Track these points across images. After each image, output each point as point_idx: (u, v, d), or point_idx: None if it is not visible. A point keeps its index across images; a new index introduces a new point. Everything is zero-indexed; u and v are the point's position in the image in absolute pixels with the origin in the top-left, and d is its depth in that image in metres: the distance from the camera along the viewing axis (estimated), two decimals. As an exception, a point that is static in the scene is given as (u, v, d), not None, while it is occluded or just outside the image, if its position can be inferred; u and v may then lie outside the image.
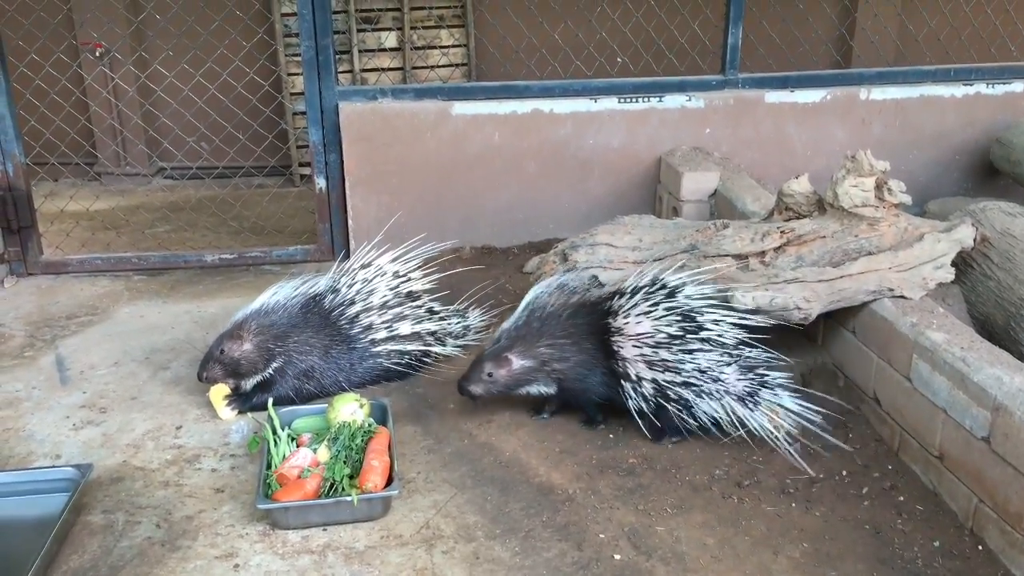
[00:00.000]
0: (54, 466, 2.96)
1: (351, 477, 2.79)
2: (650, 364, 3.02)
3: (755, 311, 3.12)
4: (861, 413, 3.25)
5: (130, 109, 6.65)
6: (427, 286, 3.63)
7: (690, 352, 2.99)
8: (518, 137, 4.79)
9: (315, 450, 2.89)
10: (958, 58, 6.11)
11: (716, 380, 3.00)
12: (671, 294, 3.07)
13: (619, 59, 5.62)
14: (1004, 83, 5.14)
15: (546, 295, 3.21)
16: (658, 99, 4.84)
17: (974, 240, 3.42)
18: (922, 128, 5.12)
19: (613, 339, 3.07)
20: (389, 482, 2.76)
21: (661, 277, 3.12)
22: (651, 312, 3.03)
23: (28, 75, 5.17)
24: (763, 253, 3.32)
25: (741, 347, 3.05)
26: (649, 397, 3.04)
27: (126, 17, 6.43)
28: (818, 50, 6.86)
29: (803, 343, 3.60)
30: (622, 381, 3.08)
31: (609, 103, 4.81)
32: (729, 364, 3.02)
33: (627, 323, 3.05)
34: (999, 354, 2.72)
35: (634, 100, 4.83)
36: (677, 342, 3.00)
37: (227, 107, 5.49)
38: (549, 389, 3.16)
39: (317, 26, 4.47)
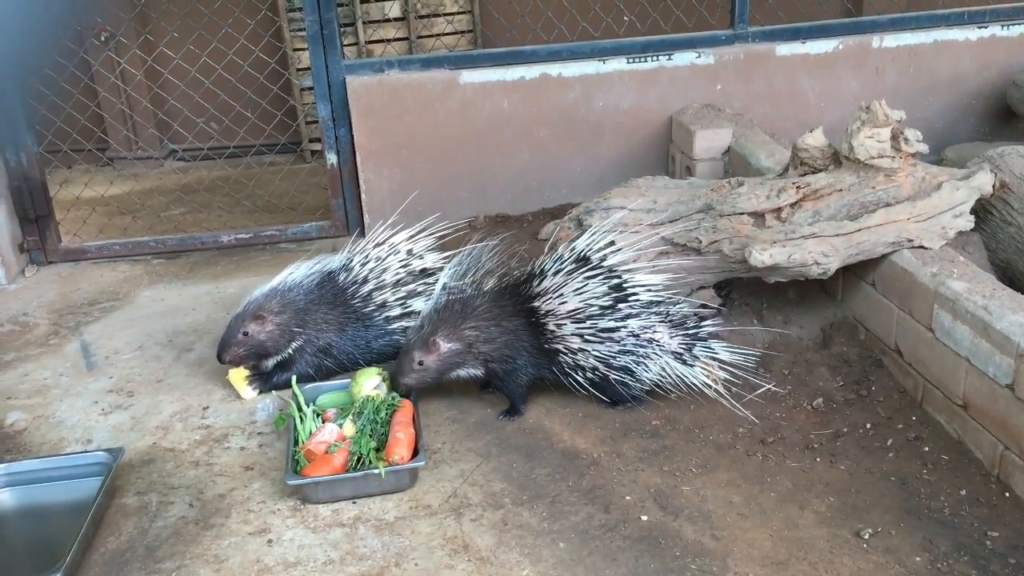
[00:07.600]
0: (86, 451, 3.01)
1: (377, 450, 2.82)
2: (586, 339, 3.02)
3: (772, 268, 3.12)
4: (884, 366, 3.25)
5: (138, 93, 6.64)
6: (439, 263, 3.63)
7: (623, 319, 3.01)
8: (527, 103, 4.75)
9: (341, 425, 2.92)
10: None
11: (651, 341, 3.03)
12: (585, 260, 3.07)
13: (626, 18, 5.54)
14: (1020, 23, 5.03)
15: (458, 276, 3.18)
16: (667, 57, 4.78)
17: (993, 186, 3.38)
18: (937, 74, 5.04)
19: (543, 321, 3.05)
20: (415, 454, 2.79)
21: (571, 247, 3.12)
22: (578, 289, 3.02)
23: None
24: (779, 209, 3.30)
25: (668, 302, 3.10)
26: (590, 370, 3.04)
27: (129, 0, 6.40)
28: (828, -2, 6.73)
29: (822, 298, 3.59)
30: (561, 362, 3.07)
31: (618, 64, 4.75)
32: (661, 321, 3.05)
33: (555, 304, 3.04)
34: (1021, 300, 2.71)
35: (643, 60, 4.77)
36: (608, 311, 3.01)
37: (235, 86, 5.48)
38: (477, 371, 3.12)
39: (320, -1, 4.44)
